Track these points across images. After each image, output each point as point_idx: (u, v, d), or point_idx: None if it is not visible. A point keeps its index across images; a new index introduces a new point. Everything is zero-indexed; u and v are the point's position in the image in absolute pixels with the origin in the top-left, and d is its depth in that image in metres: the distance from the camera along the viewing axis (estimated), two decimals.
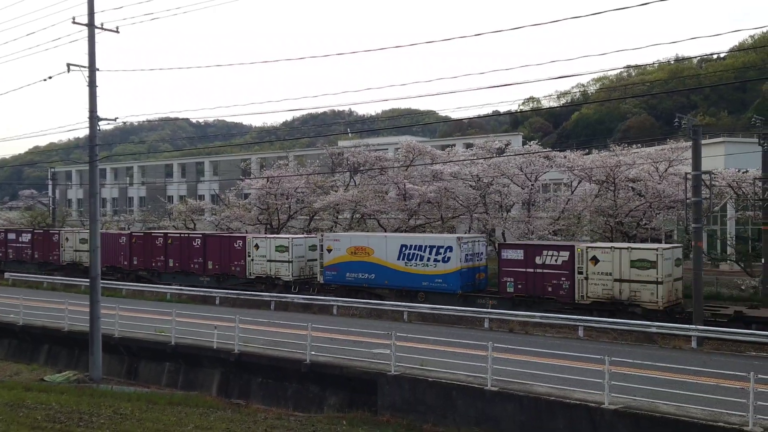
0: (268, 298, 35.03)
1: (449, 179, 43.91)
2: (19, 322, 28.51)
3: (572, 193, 41.95)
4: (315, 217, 51.18)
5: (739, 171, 39.38)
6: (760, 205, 35.30)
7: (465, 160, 45.06)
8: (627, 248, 28.74)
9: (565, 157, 41.77)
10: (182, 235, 45.02)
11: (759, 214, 36.03)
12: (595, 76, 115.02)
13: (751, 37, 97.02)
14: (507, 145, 51.88)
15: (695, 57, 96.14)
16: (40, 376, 24.78)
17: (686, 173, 28.01)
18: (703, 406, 14.70)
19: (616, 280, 28.41)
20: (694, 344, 23.95)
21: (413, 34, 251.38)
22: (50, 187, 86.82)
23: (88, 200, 24.86)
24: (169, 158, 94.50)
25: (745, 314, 26.86)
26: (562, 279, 29.86)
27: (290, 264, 38.42)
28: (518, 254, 31.46)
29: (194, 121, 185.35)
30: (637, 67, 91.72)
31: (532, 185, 42.01)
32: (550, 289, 30.24)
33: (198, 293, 37.99)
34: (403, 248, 34.56)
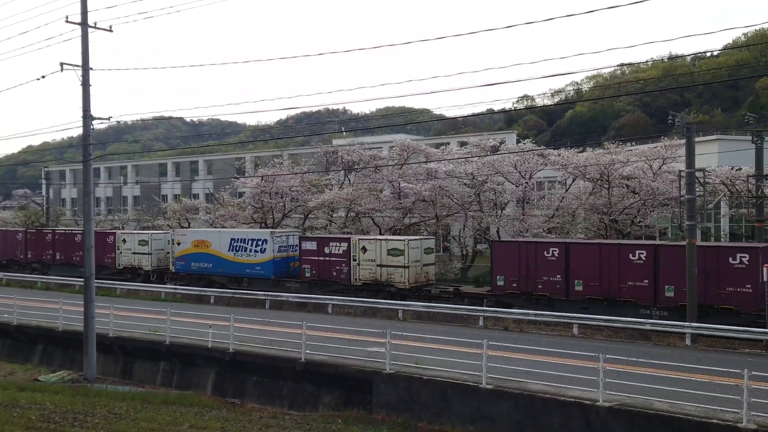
0: (263, 297, 35.01)
1: (444, 177, 43.91)
2: (14, 321, 28.43)
3: (566, 190, 42.02)
4: (310, 216, 51.12)
5: (732, 168, 39.49)
6: (753, 203, 35.42)
7: (459, 158, 45.07)
8: (385, 239, 35.18)
9: (559, 155, 41.81)
10: (67, 231, 51.38)
11: (752, 211, 36.15)
12: (589, 74, 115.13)
13: (744, 35, 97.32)
14: (501, 143, 51.94)
15: (689, 55, 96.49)
16: (34, 375, 24.71)
17: (680, 171, 28.07)
18: (698, 403, 14.76)
19: (378, 266, 34.38)
20: (688, 341, 24.03)
21: (407, 33, 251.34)
22: (44, 186, 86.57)
23: (82, 199, 24.77)
24: (163, 157, 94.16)
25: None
26: (342, 265, 35.68)
27: (150, 256, 44.33)
28: (313, 245, 37.13)
29: (188, 119, 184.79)
30: (630, 65, 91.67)
31: (527, 183, 42.05)
32: (334, 273, 36.01)
33: (192, 292, 37.96)
34: (233, 241, 39.89)
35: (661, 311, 26.90)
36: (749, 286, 24.88)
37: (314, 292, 35.59)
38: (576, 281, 28.99)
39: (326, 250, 36.38)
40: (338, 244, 36.29)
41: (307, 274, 37.00)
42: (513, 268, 30.57)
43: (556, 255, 29.66)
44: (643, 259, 27.55)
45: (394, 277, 33.88)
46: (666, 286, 26.89)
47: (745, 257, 25.23)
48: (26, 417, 17.92)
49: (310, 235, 41.92)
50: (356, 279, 35.20)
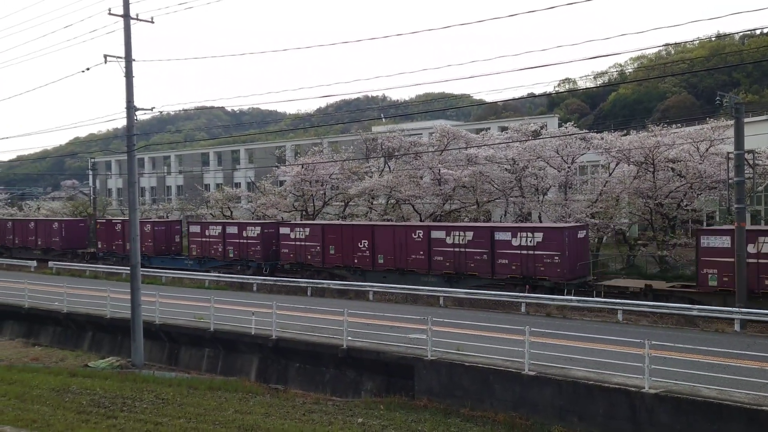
0: (305, 285, 35.30)
1: (484, 163, 43.54)
2: (64, 309, 29.18)
3: (610, 175, 41.24)
4: (350, 203, 51.28)
5: None
6: None
7: (500, 143, 44.62)
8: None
9: (602, 138, 41.06)
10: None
11: None
12: (633, 55, 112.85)
13: None
14: (542, 127, 51.20)
15: (737, 33, 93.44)
16: (84, 362, 25.38)
17: (728, 153, 27.37)
18: (747, 390, 14.41)
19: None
20: (737, 327, 23.46)
21: (446, 18, 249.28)
22: (90, 177, 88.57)
23: (128, 189, 25.24)
24: (205, 147, 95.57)
25: None
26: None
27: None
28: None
29: (229, 109, 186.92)
30: (676, 44, 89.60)
31: (569, 168, 41.41)
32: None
33: (235, 280, 38.46)
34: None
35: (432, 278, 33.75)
36: None
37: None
38: (379, 256, 35.84)
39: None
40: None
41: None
42: (337, 246, 37.44)
43: (366, 236, 36.45)
44: (421, 237, 34.18)
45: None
46: (436, 258, 33.92)
47: None
48: (77, 402, 18.44)
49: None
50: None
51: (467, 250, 33.06)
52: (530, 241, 31.01)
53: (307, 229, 39.29)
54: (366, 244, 36.49)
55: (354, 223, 42.35)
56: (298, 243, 39.52)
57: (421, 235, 34.79)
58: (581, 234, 32.30)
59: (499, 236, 32.11)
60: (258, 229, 42.25)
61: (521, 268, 31.18)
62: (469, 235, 33.15)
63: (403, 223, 40.22)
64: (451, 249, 33.60)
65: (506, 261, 31.73)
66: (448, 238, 33.76)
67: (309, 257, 38.98)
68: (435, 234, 34.40)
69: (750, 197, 32.09)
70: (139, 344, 24.23)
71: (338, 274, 37.65)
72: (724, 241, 26.40)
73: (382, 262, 35.92)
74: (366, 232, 36.76)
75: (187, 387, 20.42)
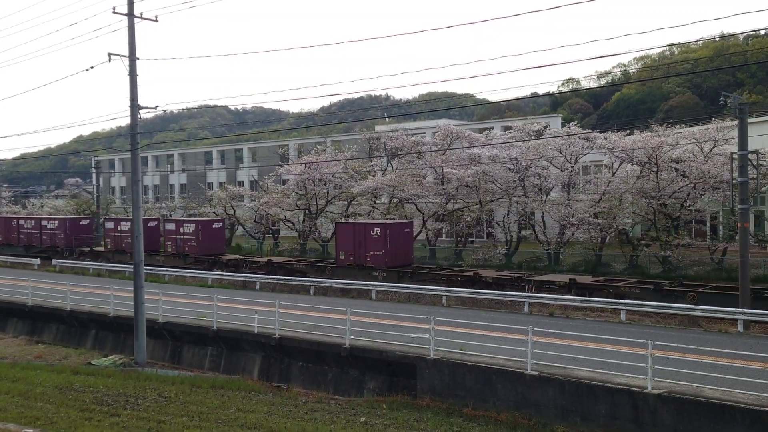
0: (308, 283, 35.32)
1: (487, 162, 43.53)
2: (67, 307, 29.21)
3: (613, 175, 41.21)
4: (353, 202, 51.30)
5: None
6: None
7: (503, 143, 44.60)
8: None
9: (605, 138, 41.01)
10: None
11: None
12: (637, 55, 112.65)
13: None
14: (546, 127, 51.17)
15: (741, 33, 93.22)
16: (87, 359, 25.42)
17: (732, 153, 27.28)
18: (751, 390, 14.38)
19: None
20: (740, 327, 23.42)
21: (450, 17, 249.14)
22: (94, 175, 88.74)
23: (131, 188, 25.26)
24: (208, 145, 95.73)
25: None
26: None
27: None
28: None
29: (233, 108, 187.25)
30: (680, 44, 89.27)
31: (572, 167, 41.39)
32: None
33: (238, 279, 38.50)
34: None
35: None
36: None
37: None
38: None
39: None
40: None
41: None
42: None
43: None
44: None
45: None
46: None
47: None
48: (80, 399, 18.48)
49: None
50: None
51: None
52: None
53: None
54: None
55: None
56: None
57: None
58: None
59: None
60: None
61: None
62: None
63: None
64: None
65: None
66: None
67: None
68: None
69: (753, 198, 32.03)
70: (142, 342, 24.26)
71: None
72: None
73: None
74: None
75: (190, 385, 20.44)
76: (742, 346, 19.20)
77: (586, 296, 28.51)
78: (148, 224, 50.80)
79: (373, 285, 33.39)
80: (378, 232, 37.67)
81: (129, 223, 47.29)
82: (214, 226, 48.20)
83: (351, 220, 45.66)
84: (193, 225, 47.08)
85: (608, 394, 15.53)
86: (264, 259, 43.29)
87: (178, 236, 47.47)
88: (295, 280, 36.31)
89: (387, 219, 44.72)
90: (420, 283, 34.67)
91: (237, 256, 47.57)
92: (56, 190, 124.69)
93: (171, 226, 48.60)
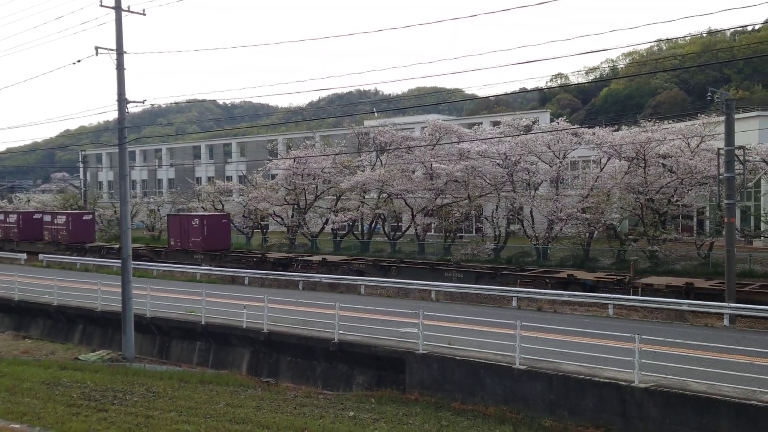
0: (297, 278, 35.29)
1: (476, 158, 43.58)
2: (54, 302, 29.04)
3: (601, 170, 41.38)
4: (342, 197, 51.26)
5: None
6: None
7: (492, 138, 44.66)
8: None
9: (593, 133, 41.16)
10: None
11: None
12: (625, 50, 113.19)
13: None
14: (534, 122, 51.33)
15: (728, 29, 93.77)
16: (74, 355, 25.27)
17: (719, 148, 27.46)
18: (736, 384, 14.51)
19: None
20: (726, 322, 23.62)
21: (439, 12, 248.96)
22: (81, 169, 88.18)
23: (118, 182, 25.12)
24: (196, 140, 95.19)
25: None
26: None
27: None
28: None
29: (221, 102, 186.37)
30: (668, 40, 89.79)
31: (561, 163, 41.52)
32: None
33: (227, 273, 38.40)
34: None
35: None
36: None
37: None
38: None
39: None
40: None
41: None
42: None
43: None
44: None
45: None
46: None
47: None
48: (68, 395, 18.37)
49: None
50: None
51: None
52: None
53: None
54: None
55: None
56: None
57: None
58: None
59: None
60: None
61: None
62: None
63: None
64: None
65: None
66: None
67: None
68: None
69: (740, 193, 32.25)
70: (130, 337, 24.17)
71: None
72: None
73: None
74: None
75: (178, 380, 20.38)
76: (728, 340, 19.36)
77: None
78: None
79: (362, 280, 33.41)
80: (197, 222, 46.61)
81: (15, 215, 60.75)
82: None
83: (180, 213, 54.61)
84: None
85: (595, 388, 15.62)
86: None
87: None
88: (284, 275, 36.30)
89: (206, 212, 54.09)
90: (235, 264, 42.75)
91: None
92: (43, 184, 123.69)
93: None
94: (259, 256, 43.86)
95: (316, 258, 41.51)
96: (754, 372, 14.66)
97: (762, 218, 40.41)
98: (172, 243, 48.18)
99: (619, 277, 30.70)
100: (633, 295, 27.87)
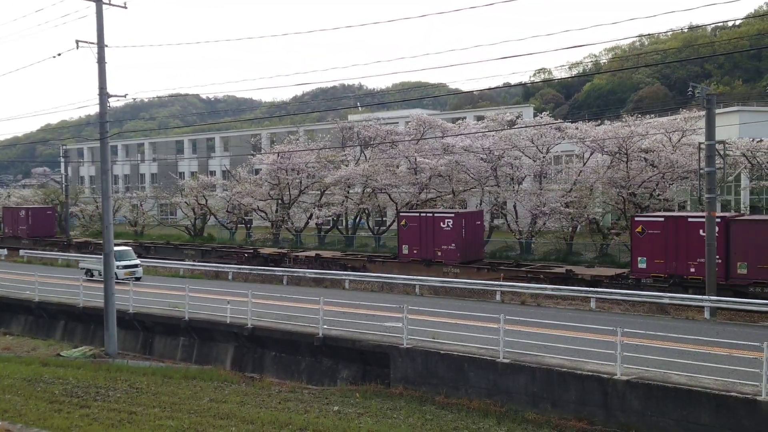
0: (281, 273, 35.22)
1: (460, 152, 43.68)
2: (35, 298, 28.80)
3: (584, 164, 41.64)
4: (326, 192, 51.17)
5: (753, 140, 38.90)
6: None
7: (476, 132, 44.77)
8: None
9: (576, 128, 41.40)
10: None
11: None
12: (608, 45, 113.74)
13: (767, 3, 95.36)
14: (518, 117, 51.49)
15: (710, 25, 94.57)
16: (56, 351, 25.07)
17: (700, 143, 27.72)
18: (716, 376, 14.68)
19: None
20: (706, 315, 23.88)
21: (423, 6, 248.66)
22: (62, 164, 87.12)
23: (100, 177, 24.90)
24: (179, 134, 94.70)
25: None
26: None
27: None
28: None
29: (204, 96, 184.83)
30: (650, 35, 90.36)
31: (544, 157, 41.72)
32: None
33: (211, 269, 38.24)
34: None
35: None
36: None
37: None
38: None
39: None
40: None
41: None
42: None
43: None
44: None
45: None
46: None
47: None
48: (50, 391, 18.23)
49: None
50: None
51: None
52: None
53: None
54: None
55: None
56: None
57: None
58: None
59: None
60: None
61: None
62: None
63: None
64: None
65: None
66: None
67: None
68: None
69: (720, 187, 32.60)
70: (113, 333, 24.00)
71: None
72: None
73: None
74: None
75: (162, 376, 20.28)
76: (708, 332, 19.57)
77: None
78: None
79: (346, 275, 33.40)
80: (24, 213, 56.54)
81: None
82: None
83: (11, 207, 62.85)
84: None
85: (578, 381, 15.74)
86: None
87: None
88: (268, 270, 36.21)
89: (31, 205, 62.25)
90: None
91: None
92: (23, 179, 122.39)
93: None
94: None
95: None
96: (734, 364, 14.84)
97: (742, 212, 40.88)
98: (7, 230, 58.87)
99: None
100: (635, 289, 27.79)
